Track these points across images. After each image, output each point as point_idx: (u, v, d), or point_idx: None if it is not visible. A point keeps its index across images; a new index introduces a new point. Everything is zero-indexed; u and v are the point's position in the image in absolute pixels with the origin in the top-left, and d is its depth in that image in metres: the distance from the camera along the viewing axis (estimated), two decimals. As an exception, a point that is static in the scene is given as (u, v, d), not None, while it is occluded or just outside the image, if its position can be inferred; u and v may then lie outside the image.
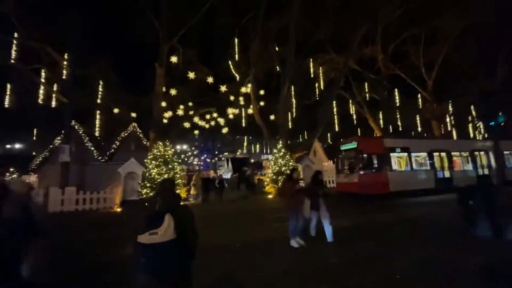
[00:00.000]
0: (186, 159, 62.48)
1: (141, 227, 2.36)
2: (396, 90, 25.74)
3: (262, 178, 17.25)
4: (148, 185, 12.82)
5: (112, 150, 16.79)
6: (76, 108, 19.83)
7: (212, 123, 20.72)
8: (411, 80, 24.95)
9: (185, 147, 65.54)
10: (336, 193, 15.08)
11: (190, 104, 19.03)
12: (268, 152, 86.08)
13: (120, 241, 6.11)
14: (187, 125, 19.13)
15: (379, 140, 14.47)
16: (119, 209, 12.42)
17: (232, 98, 18.76)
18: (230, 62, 21.43)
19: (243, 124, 23.04)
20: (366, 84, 24.18)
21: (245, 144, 58.46)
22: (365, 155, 13.70)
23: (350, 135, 32.18)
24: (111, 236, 7.29)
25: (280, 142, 16.31)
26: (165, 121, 17.01)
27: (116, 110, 18.64)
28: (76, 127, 16.80)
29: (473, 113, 28.82)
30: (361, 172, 13.35)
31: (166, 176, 13.32)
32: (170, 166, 13.83)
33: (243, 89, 17.47)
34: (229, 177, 24.64)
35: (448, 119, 27.21)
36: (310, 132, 22.44)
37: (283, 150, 16.02)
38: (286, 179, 6.34)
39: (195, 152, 64.03)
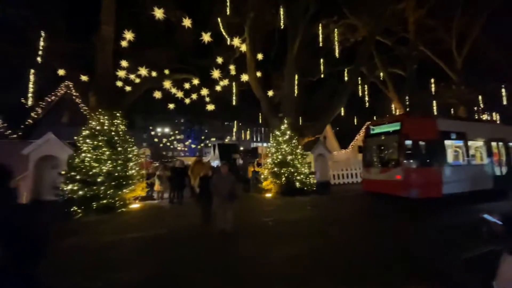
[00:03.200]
0: (168, 144, 57.16)
1: None
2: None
3: (259, 169, 12.65)
4: (77, 177, 7.91)
5: (31, 122, 11.43)
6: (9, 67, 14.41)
7: (194, 96, 15.74)
8: (436, 58, 20.81)
9: (167, 130, 59.99)
10: (362, 194, 10.78)
11: (166, 72, 13.94)
12: (259, 139, 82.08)
13: None
14: (157, 95, 14.10)
15: (431, 121, 10.09)
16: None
17: (220, 60, 13.75)
18: (219, 19, 16.37)
19: (234, 102, 18.27)
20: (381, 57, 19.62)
21: (234, 129, 53.67)
22: (412, 142, 9.33)
23: (357, 120, 28.12)
24: None
25: (285, 121, 11.63)
26: (128, 88, 11.86)
27: (61, 72, 13.22)
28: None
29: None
30: (408, 166, 9.01)
31: (109, 163, 8.42)
32: (119, 148, 8.91)
33: (236, 42, 12.46)
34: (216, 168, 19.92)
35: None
36: (312, 115, 17.91)
37: (288, 132, 11.39)
38: None
39: (178, 137, 58.73)
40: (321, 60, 20.02)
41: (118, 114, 9.38)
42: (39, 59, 13.45)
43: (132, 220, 7.36)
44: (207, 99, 15.90)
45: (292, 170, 10.73)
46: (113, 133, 8.82)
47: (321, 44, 18.43)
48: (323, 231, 5.91)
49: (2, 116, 10.74)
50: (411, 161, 9.16)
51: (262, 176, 12.08)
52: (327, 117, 12.70)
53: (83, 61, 12.20)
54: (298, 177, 10.79)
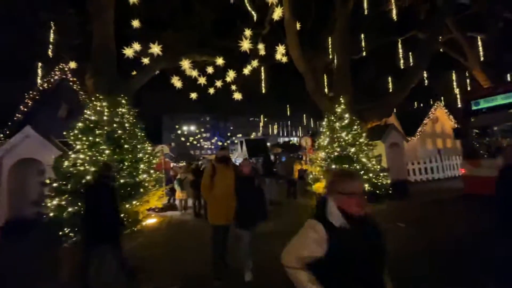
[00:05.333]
0: (195, 142, 56.12)
1: None
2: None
3: (307, 167, 9.73)
4: (68, 187, 5.70)
5: (20, 117, 9.48)
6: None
7: (218, 83, 13.34)
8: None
9: (193, 128, 59.08)
10: (461, 197, 7.46)
11: (186, 61, 11.53)
12: (285, 134, 78.64)
13: None
14: (177, 83, 11.87)
15: None
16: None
17: (248, 33, 10.99)
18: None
19: (263, 89, 15.60)
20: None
21: (261, 124, 50.94)
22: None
23: (411, 101, 23.61)
24: None
25: (341, 100, 8.59)
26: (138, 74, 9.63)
27: (73, 65, 11.49)
28: None
29: None
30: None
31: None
32: (126, 146, 6.60)
33: (271, -2, 9.53)
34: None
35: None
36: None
37: (347, 115, 8.36)
38: None
39: (204, 135, 57.42)
40: (370, 33, 16.45)
41: (123, 101, 7.09)
42: (50, 52, 11.75)
43: (137, 251, 4.93)
44: (233, 87, 13.47)
45: (357, 167, 7.72)
46: (115, 125, 6.51)
47: (366, 11, 14.86)
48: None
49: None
50: None
51: (311, 176, 9.20)
52: (397, 96, 9.40)
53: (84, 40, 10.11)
54: (366, 176, 7.75)
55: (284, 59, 12.41)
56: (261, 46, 12.67)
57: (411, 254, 4.07)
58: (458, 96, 18.58)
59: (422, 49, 10.25)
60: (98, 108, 6.44)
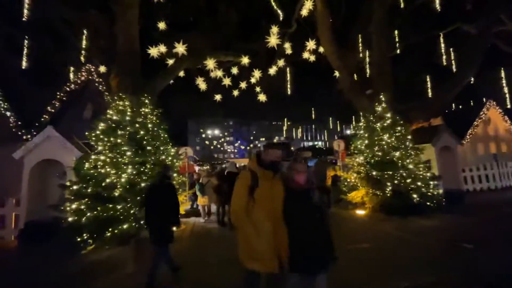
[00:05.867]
0: (218, 146, 56.44)
1: None
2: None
3: (343, 174, 8.77)
4: (88, 190, 5.39)
5: (47, 118, 9.58)
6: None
7: (243, 84, 13.00)
8: None
9: (216, 132, 59.53)
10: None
11: (211, 60, 11.25)
12: (309, 137, 76.69)
13: None
14: (201, 85, 11.74)
15: None
16: (15, 245, 5.32)
17: (275, 29, 10.39)
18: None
19: (288, 91, 14.94)
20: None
21: (284, 128, 49.80)
22: None
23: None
24: None
25: (382, 98, 7.64)
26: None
27: (102, 69, 11.72)
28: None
29: None
30: None
31: (131, 169, 5.74)
32: (148, 147, 6.24)
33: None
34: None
35: None
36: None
37: (388, 115, 7.39)
38: None
39: (228, 139, 57.54)
40: (406, 28, 15.13)
41: (146, 101, 6.78)
42: (82, 57, 12.05)
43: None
44: (258, 89, 13.11)
45: (404, 174, 6.70)
46: (137, 126, 6.18)
47: (402, 4, 13.59)
48: None
49: (15, 114, 9.07)
50: None
51: (346, 183, 8.27)
52: (445, 95, 8.21)
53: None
54: (414, 185, 6.70)
55: (312, 58, 11.79)
56: (287, 45, 12.14)
57: (487, 285, 3.16)
58: (507, 95, 16.62)
59: (473, 44, 8.96)
60: (120, 108, 6.15)
